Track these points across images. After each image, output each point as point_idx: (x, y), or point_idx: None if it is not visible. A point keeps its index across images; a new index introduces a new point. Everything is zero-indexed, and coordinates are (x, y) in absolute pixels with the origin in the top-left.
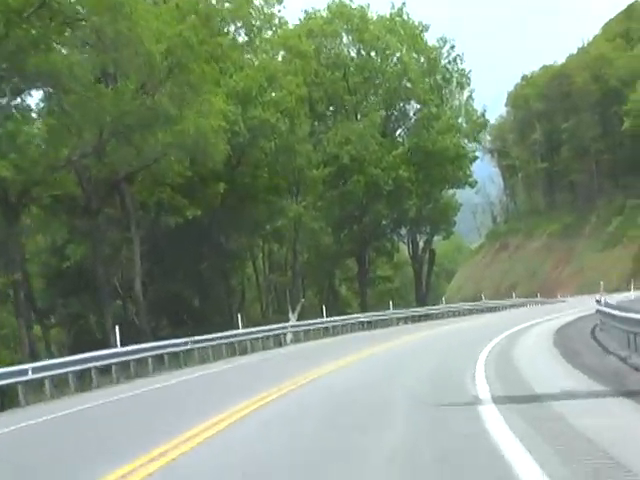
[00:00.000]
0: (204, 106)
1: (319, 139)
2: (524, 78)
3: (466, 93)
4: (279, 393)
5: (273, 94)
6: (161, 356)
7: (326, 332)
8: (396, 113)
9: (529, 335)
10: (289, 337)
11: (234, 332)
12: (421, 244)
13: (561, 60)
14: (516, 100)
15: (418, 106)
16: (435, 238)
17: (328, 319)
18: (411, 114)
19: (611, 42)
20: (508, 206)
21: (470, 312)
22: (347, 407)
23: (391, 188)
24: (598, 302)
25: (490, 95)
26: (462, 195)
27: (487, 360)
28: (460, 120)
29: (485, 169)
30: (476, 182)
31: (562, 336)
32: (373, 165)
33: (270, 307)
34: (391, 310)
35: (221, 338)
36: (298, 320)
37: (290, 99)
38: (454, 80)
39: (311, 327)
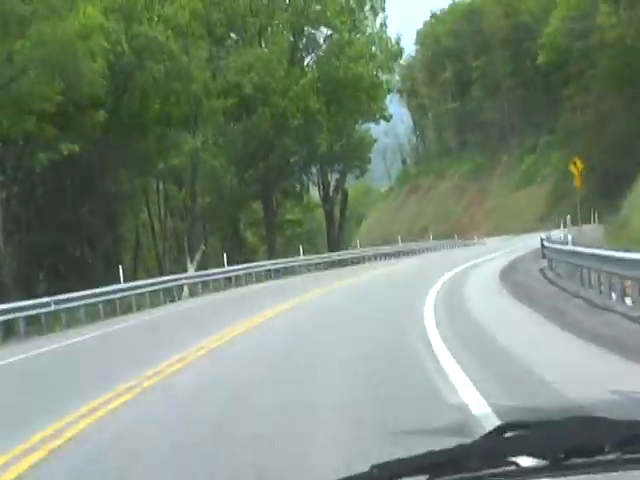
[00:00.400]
0: (74, 18)
1: (218, 66)
2: (433, 16)
3: (379, 20)
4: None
5: (163, 9)
6: (15, 321)
7: (228, 283)
8: (304, 39)
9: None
10: (185, 291)
11: (114, 287)
12: (333, 184)
13: None
14: (425, 38)
15: (328, 32)
16: (348, 177)
17: (230, 268)
18: (321, 41)
19: None
20: (418, 147)
21: (388, 256)
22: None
23: (300, 121)
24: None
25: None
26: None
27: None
28: (374, 48)
29: (394, 110)
30: (391, 116)
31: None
32: (280, 95)
33: (167, 256)
34: (302, 256)
35: (96, 295)
36: (198, 270)
37: (183, 14)
38: (367, 2)
39: (210, 278)
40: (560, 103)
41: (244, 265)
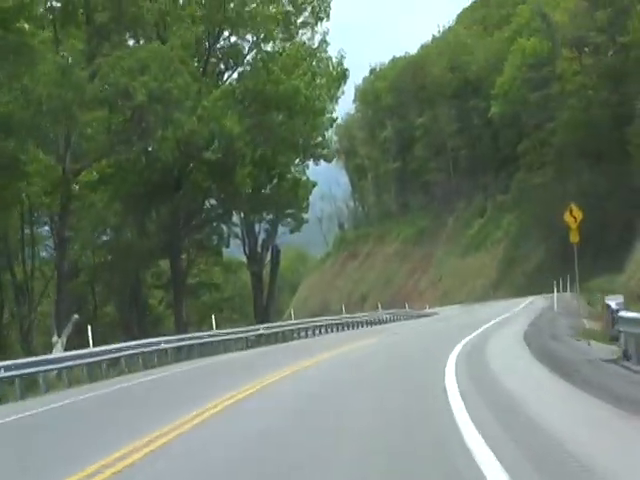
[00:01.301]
0: None
1: (98, 64)
2: (373, 71)
3: (319, 35)
4: None
5: None
6: None
7: (94, 372)
8: (224, 44)
9: None
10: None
11: None
12: (261, 238)
13: (415, 51)
14: (365, 95)
15: (255, 38)
16: (280, 231)
17: (95, 350)
18: (246, 49)
19: (469, 29)
20: (357, 211)
21: (329, 328)
22: None
23: (215, 150)
24: None
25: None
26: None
27: None
28: (314, 63)
29: (331, 172)
30: (334, 156)
31: None
32: (186, 112)
33: (35, 330)
34: (214, 330)
35: None
36: (67, 349)
37: None
38: (307, 6)
39: (63, 365)
40: (511, 162)
41: (122, 345)
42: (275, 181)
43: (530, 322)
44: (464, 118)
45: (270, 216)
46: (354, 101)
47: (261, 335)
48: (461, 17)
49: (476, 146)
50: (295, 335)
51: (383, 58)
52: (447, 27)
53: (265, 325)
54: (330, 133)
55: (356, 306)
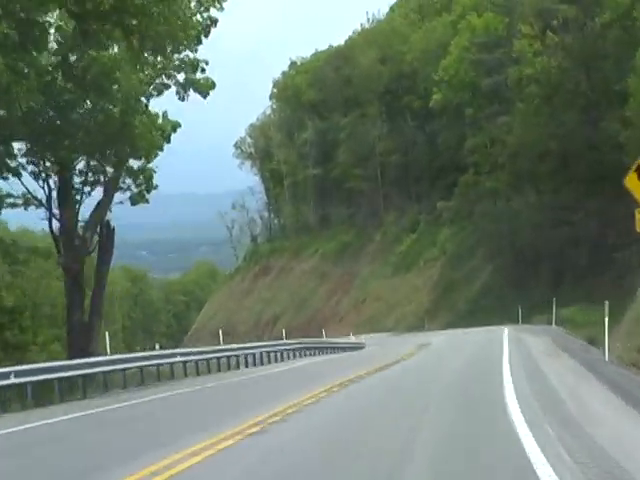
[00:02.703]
0: None
1: None
2: (293, 65)
3: None
4: None
5: None
6: None
7: None
8: None
9: None
10: None
11: None
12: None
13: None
14: (284, 91)
15: None
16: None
17: None
18: None
19: (404, 18)
20: (271, 223)
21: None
22: None
23: None
24: None
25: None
26: (212, 211)
27: None
28: None
29: (244, 179)
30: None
31: None
32: None
33: None
34: None
35: None
36: None
37: None
38: None
39: None
40: (452, 169)
41: None
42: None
43: None
44: (396, 118)
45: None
46: (271, 98)
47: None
48: (396, 5)
49: (409, 151)
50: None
51: (307, 52)
52: (379, 16)
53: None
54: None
55: (266, 328)
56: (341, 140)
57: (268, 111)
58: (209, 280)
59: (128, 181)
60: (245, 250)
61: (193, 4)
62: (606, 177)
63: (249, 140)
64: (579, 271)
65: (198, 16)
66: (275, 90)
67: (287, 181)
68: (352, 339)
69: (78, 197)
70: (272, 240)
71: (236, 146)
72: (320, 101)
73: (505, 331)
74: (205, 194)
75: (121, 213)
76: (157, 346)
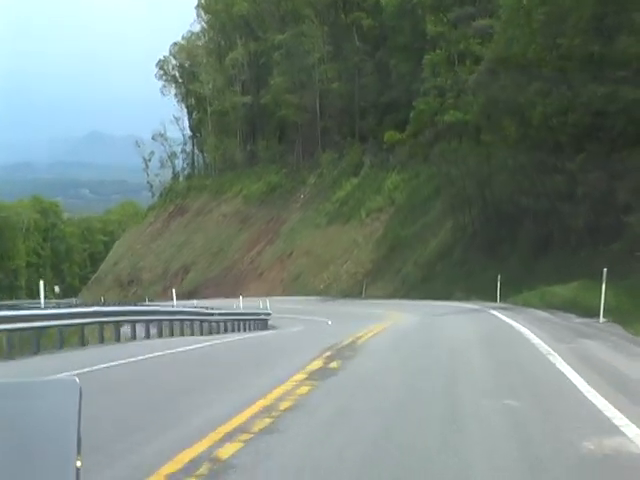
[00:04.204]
0: None
1: None
2: None
3: None
4: None
5: None
6: None
7: None
8: None
9: None
10: None
11: None
12: None
13: None
14: (212, 4)
15: None
16: None
17: None
18: None
19: None
20: (195, 157)
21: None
22: None
23: None
24: None
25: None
26: (132, 139)
27: None
28: None
29: (167, 106)
30: None
31: None
32: None
33: None
34: None
35: None
36: None
37: None
38: None
39: None
40: (407, 99)
41: None
42: None
43: None
44: (341, 39)
45: None
46: (197, 8)
47: None
48: None
49: (355, 79)
50: None
51: None
52: None
53: None
54: None
55: (175, 279)
56: (275, 62)
57: (197, 28)
58: (132, 221)
59: None
60: (163, 187)
61: None
62: (620, 111)
63: (173, 61)
64: (576, 237)
65: None
66: (202, 2)
67: (211, 108)
68: (238, 305)
69: None
70: (193, 177)
71: (159, 66)
72: (254, 16)
73: (511, 322)
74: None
75: (72, 151)
76: (57, 288)
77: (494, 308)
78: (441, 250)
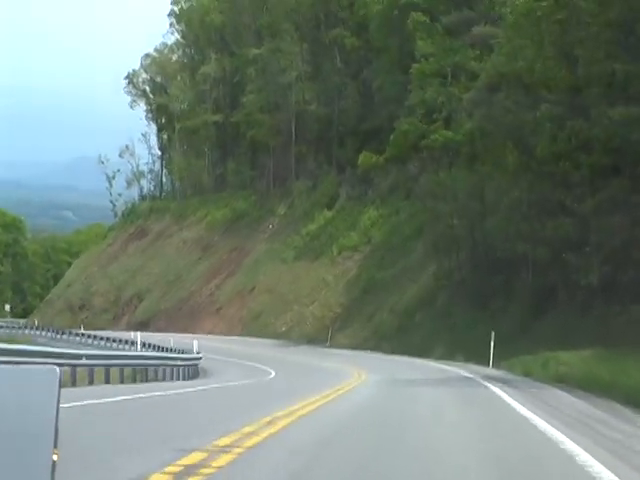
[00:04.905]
0: None
1: None
2: None
3: None
4: None
5: None
6: None
7: None
8: None
9: None
10: None
11: None
12: None
13: None
14: (186, 16)
15: None
16: None
17: None
18: None
19: None
20: (162, 178)
21: None
22: None
23: None
24: None
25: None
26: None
27: None
28: None
29: (139, 123)
30: None
31: None
32: None
33: None
34: None
35: None
36: None
37: None
38: None
39: None
40: (392, 127)
41: None
42: None
43: None
44: (321, 57)
45: None
46: (169, 15)
47: None
48: None
49: (334, 100)
50: None
51: None
52: None
53: None
54: None
55: (127, 308)
56: (249, 78)
57: (170, 39)
58: (95, 242)
59: None
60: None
61: None
62: None
63: (144, 75)
64: (585, 294)
65: None
66: (175, 8)
67: (179, 125)
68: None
69: None
70: (156, 199)
71: (128, 79)
72: (229, 28)
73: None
74: None
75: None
76: (7, 307)
77: (490, 378)
78: (422, 297)
